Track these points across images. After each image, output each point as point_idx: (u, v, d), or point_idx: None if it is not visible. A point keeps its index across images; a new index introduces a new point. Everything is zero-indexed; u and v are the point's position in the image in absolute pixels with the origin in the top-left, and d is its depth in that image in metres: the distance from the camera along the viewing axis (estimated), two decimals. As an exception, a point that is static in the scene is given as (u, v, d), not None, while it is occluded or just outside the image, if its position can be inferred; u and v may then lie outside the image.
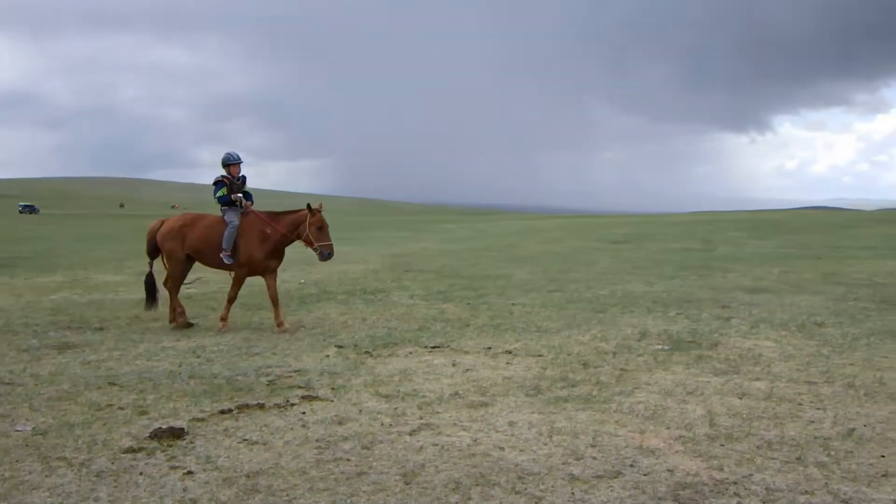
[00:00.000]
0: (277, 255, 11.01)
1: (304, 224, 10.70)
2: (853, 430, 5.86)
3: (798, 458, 5.25)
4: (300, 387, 7.26)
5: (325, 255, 10.66)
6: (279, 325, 10.52)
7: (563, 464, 5.18)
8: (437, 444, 5.56)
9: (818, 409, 6.45)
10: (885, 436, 5.74)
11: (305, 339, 9.81)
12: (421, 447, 5.51)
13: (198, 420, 6.20)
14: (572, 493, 4.67)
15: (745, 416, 6.23)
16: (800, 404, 6.58)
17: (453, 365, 8.19)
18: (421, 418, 6.23)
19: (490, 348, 9.08)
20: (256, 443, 5.65)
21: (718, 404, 6.57)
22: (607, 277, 17.03)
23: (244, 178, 11.33)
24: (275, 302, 10.74)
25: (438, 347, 9.17)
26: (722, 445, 5.53)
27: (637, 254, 24.29)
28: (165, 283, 11.25)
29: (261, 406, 6.58)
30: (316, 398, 6.84)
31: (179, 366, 8.22)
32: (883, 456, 5.30)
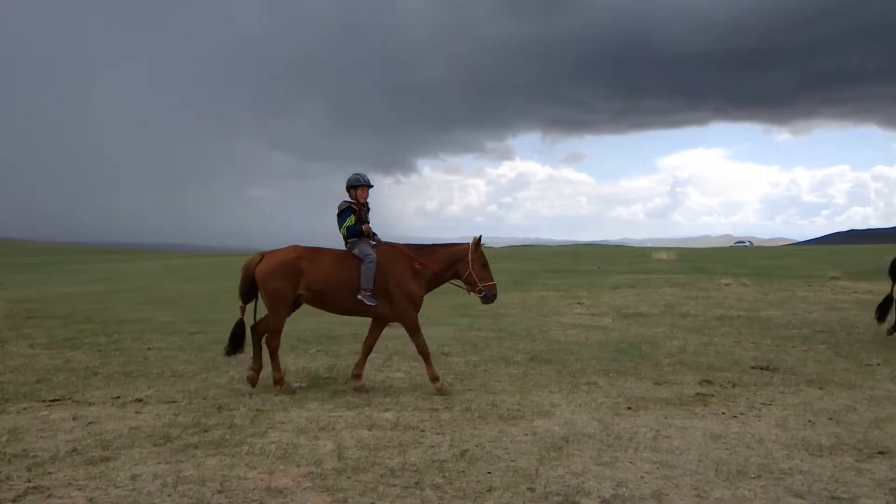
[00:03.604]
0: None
1: (465, 261, 9.07)
2: (466, 450, 6.37)
3: (416, 483, 5.57)
4: None
5: (491, 296, 9.14)
6: (356, 376, 9.00)
7: (187, 514, 4.99)
8: (44, 509, 5.06)
9: (438, 434, 6.93)
10: (492, 453, 6.31)
11: None
12: (25, 514, 4.98)
13: None
14: (193, 544, 4.51)
15: (372, 446, 6.49)
16: (422, 431, 7.02)
17: (74, 419, 7.53)
18: (29, 481, 5.62)
19: (119, 397, 8.51)
20: None
21: (349, 437, 6.78)
22: (251, 317, 16.86)
23: (367, 205, 9.42)
24: (366, 353, 9.24)
25: (59, 400, 8.38)
26: (349, 478, 5.70)
27: (285, 292, 24.40)
28: (269, 342, 9.07)
29: None
30: None
31: None
32: (489, 472, 5.82)
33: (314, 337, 13.21)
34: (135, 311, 18.60)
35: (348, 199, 9.33)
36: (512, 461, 6.10)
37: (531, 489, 5.44)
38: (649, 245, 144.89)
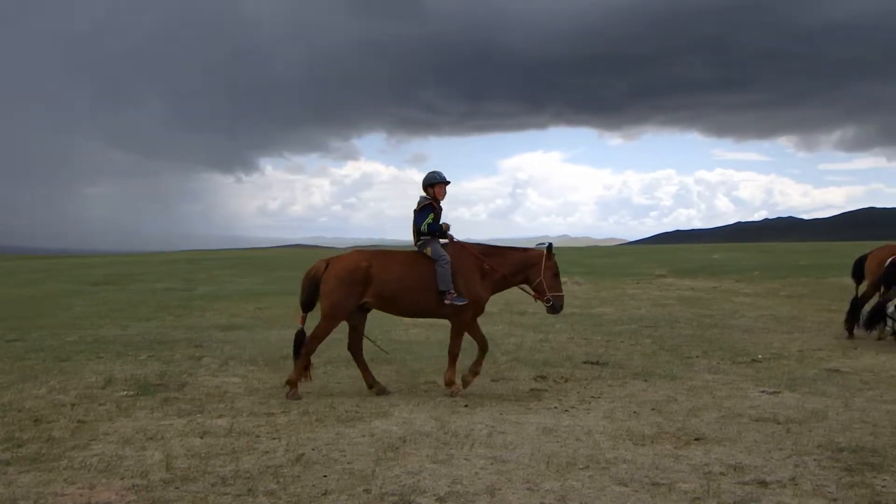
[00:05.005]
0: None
1: (538, 267, 8.93)
2: (302, 454, 6.26)
3: (249, 490, 5.42)
4: None
5: (558, 307, 9.07)
6: (449, 383, 8.91)
7: (-5, 537, 4.63)
8: None
9: (274, 438, 6.78)
10: (329, 456, 6.23)
11: None
12: None
13: None
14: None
15: (203, 455, 6.26)
16: (257, 436, 6.85)
17: None
18: None
19: (-81, 414, 7.80)
20: None
21: (178, 446, 6.51)
22: (79, 322, 15.94)
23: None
24: (454, 357, 9.01)
25: None
26: (177, 488, 5.46)
27: (116, 296, 23.20)
28: (308, 343, 8.73)
29: None
30: None
31: None
32: (325, 476, 5.74)
33: (145, 342, 12.63)
34: (-56, 318, 17.15)
35: (426, 196, 9.09)
36: (349, 463, 6.05)
37: (367, 490, 5.41)
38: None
